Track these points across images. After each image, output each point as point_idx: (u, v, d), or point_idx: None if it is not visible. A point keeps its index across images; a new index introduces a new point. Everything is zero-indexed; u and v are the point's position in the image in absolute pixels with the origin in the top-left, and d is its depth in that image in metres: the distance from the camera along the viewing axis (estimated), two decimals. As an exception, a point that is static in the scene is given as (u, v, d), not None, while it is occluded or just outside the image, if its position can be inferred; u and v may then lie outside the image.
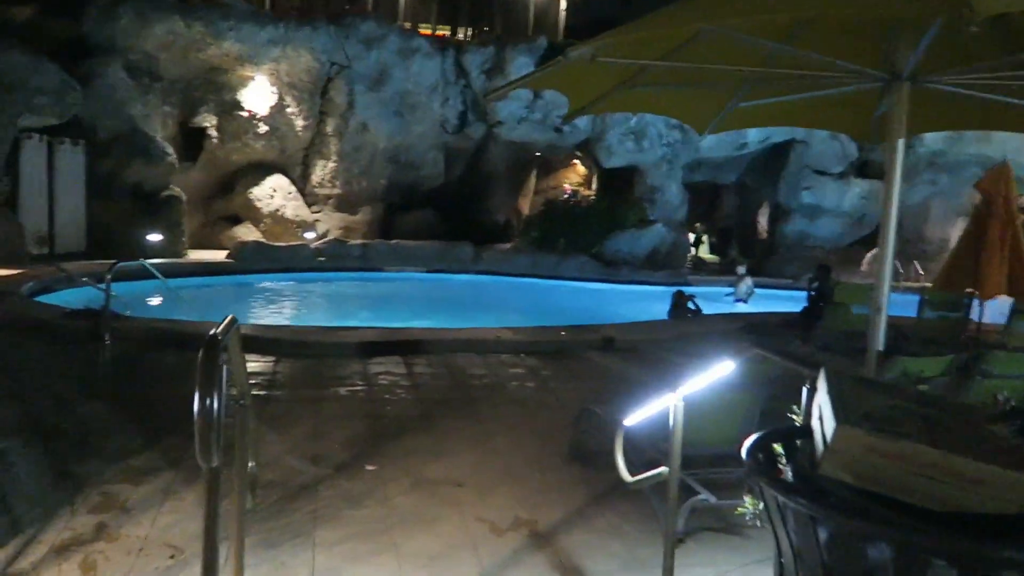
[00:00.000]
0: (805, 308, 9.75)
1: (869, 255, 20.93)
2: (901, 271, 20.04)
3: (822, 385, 1.88)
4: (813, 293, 9.69)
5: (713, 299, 14.22)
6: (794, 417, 3.16)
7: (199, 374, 1.91)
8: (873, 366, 5.48)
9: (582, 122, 19.69)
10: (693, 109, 7.53)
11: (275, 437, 5.21)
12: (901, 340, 8.85)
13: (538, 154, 23.45)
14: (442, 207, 20.96)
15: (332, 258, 16.53)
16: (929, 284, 19.39)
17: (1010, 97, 5.71)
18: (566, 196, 22.64)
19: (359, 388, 6.62)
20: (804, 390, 2.91)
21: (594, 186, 23.10)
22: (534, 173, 25.14)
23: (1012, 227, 8.78)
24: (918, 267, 20.26)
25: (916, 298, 9.51)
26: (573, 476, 4.78)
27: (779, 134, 19.82)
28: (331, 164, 19.61)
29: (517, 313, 12.73)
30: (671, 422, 3.03)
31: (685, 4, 4.51)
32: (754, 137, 19.85)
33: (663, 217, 19.89)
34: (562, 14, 24.12)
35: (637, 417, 3.45)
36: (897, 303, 9.16)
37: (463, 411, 6.07)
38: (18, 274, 11.82)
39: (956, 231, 21.53)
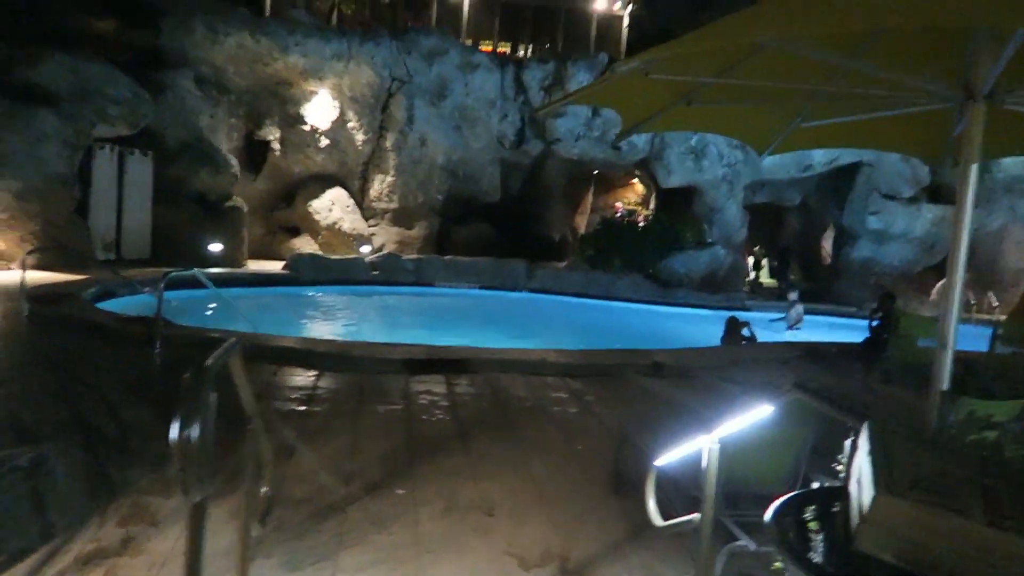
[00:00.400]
0: (867, 339, 9.31)
1: (939, 284, 20.05)
2: (973, 302, 19.11)
3: (864, 442, 1.69)
4: (876, 323, 9.25)
5: (759, 324, 13.80)
6: (839, 468, 2.93)
7: (179, 404, 1.83)
8: (936, 406, 5.16)
9: (640, 140, 19.47)
10: (753, 128, 7.29)
11: (310, 453, 5.16)
12: (969, 376, 8.38)
13: (596, 171, 23.29)
14: (498, 223, 20.95)
15: (386, 272, 16.65)
16: (1003, 316, 18.48)
17: None
18: (619, 215, 22.37)
19: (399, 406, 6.55)
20: (847, 444, 2.69)
21: (652, 205, 22.78)
22: (591, 191, 24.97)
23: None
24: (992, 298, 19.30)
25: (989, 331, 9.01)
26: (611, 509, 4.58)
27: (847, 155, 19.20)
28: (389, 178, 19.82)
29: (568, 333, 12.57)
30: (705, 465, 2.84)
31: (744, 15, 4.34)
32: (820, 158, 19.28)
33: (722, 238, 19.46)
34: (625, 30, 23.96)
35: (669, 458, 3.26)
36: (968, 336, 8.68)
37: (502, 433, 5.93)
38: (84, 279, 12.21)
39: (1035, 261, 20.49)
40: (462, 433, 5.87)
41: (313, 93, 18.87)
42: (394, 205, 19.92)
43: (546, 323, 14.12)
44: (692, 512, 3.41)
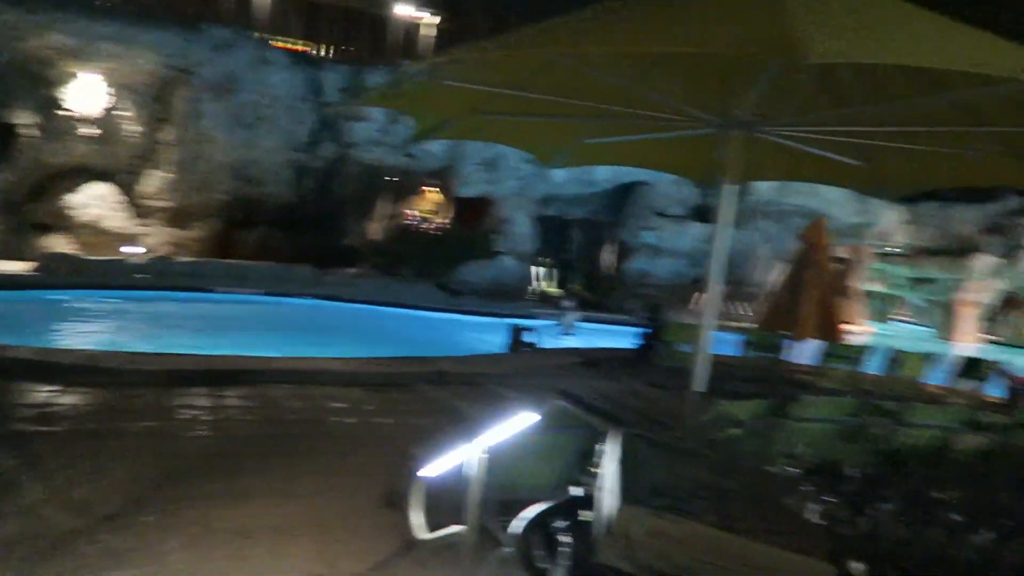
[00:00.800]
0: (640, 346, 9.91)
1: (698, 294, 22.03)
2: (731, 311, 21.20)
3: (613, 449, 1.65)
4: (648, 331, 9.88)
5: (546, 332, 14.43)
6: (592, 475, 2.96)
7: None
8: (691, 407, 5.52)
9: (437, 149, 19.51)
10: (541, 141, 7.46)
11: (35, 482, 4.46)
12: (726, 378, 9.17)
13: (393, 179, 23.01)
14: (288, 227, 19.98)
15: (156, 276, 15.22)
16: (752, 326, 20.65)
17: (833, 152, 6.02)
18: (412, 223, 22.27)
19: (155, 423, 5.90)
20: (598, 450, 2.73)
21: (447, 214, 22.90)
22: (387, 198, 24.63)
23: (825, 276, 9.36)
24: (743, 308, 21.53)
25: (742, 338, 9.90)
26: (384, 524, 4.38)
27: (627, 175, 20.52)
28: (165, 175, 18.22)
29: (355, 341, 12.18)
30: (469, 474, 2.75)
31: (537, 29, 4.36)
32: (603, 176, 20.44)
33: (512, 249, 19.98)
34: (431, 40, 23.93)
35: (436, 469, 3.13)
36: (726, 342, 9.49)
37: (271, 450, 5.53)
38: None
39: (780, 275, 23.18)
40: (225, 452, 5.39)
41: (78, 76, 16.89)
42: (170, 204, 18.32)
43: (333, 331, 13.60)
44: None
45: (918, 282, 29.83)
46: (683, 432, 5.15)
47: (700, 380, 5.63)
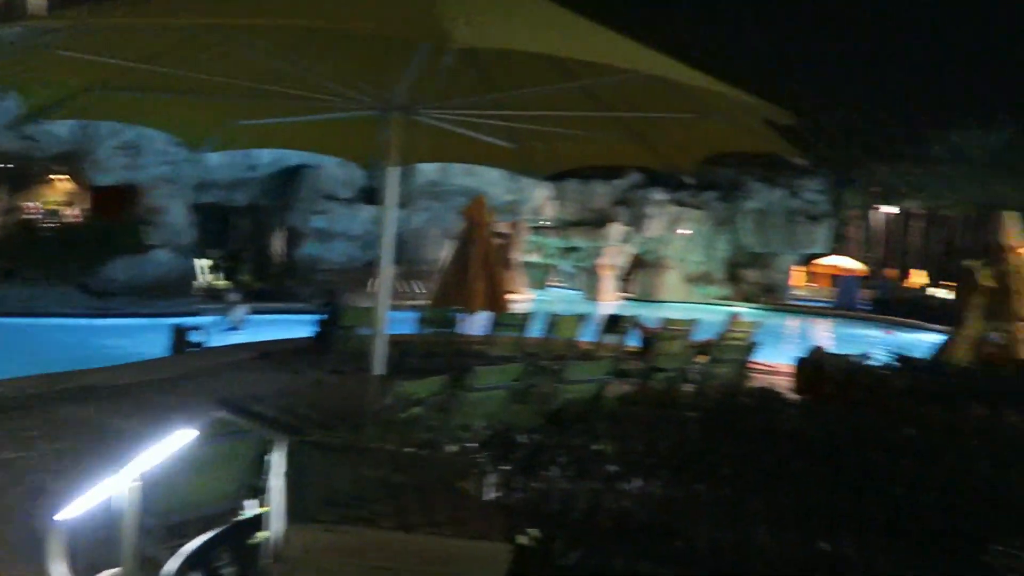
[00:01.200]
0: (317, 333, 9.62)
1: (374, 278, 22.22)
2: (404, 290, 21.70)
3: (279, 462, 1.47)
4: (323, 318, 9.62)
5: (213, 328, 13.57)
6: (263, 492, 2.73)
7: None
8: (373, 391, 5.47)
9: (63, 130, 16.87)
10: (188, 123, 6.73)
11: None
12: (406, 357, 9.31)
13: (8, 166, 19.43)
14: None
15: None
16: (428, 302, 21.38)
17: (486, 135, 6.31)
18: (37, 217, 19.17)
19: None
20: (266, 460, 2.50)
21: (82, 206, 20.02)
22: (3, 189, 20.79)
23: (490, 250, 9.93)
24: (417, 286, 22.20)
25: (418, 315, 10.12)
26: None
27: (291, 157, 19.74)
28: None
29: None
30: (122, 508, 2.35)
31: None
32: (266, 159, 19.42)
33: (167, 241, 18.15)
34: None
35: (76, 510, 2.65)
36: (402, 321, 9.59)
37: None
38: None
39: (448, 253, 24.29)
40: None
41: None
42: None
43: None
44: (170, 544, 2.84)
45: (567, 251, 33.40)
46: (365, 419, 5.08)
47: (379, 363, 5.60)
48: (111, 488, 2.53)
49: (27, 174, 21.21)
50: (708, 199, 34.58)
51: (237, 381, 8.45)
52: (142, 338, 12.90)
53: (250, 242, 23.12)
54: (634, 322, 10.25)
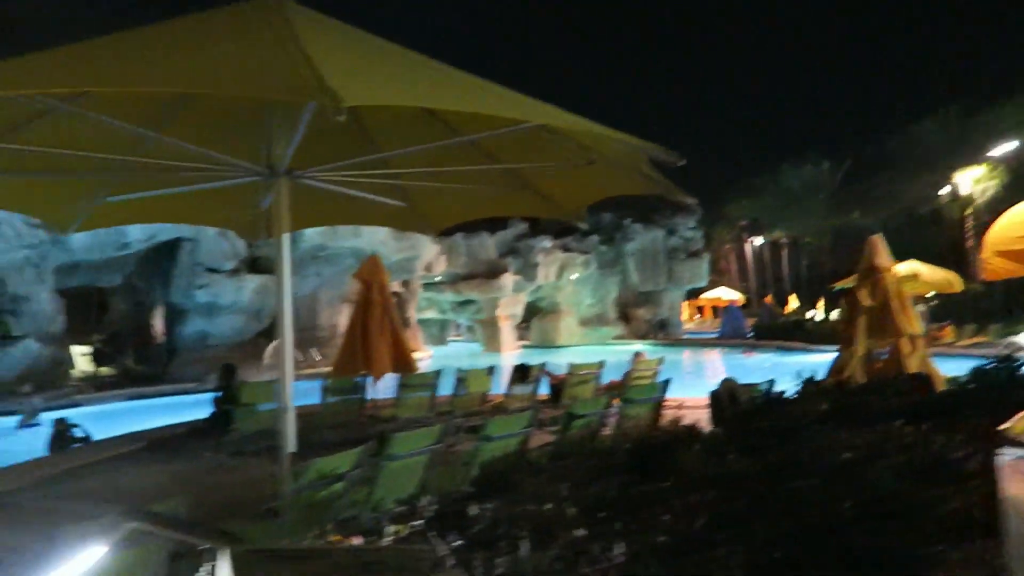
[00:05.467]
0: (213, 413, 9.04)
1: (270, 347, 21.35)
2: (302, 359, 20.94)
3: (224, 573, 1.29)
4: (219, 396, 9.06)
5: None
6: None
7: None
8: (287, 468, 5.14)
9: (-97, 220, 15.47)
10: (50, 203, 6.26)
11: None
12: (314, 430, 8.89)
13: None
14: None
15: None
16: (328, 369, 20.72)
17: (369, 193, 6.19)
18: None
19: None
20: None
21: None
22: None
23: (389, 310, 9.72)
24: (315, 353, 21.48)
25: (319, 384, 9.72)
26: None
27: (165, 232, 18.83)
28: None
29: None
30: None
31: (16, 63, 3.52)
32: (137, 235, 18.44)
33: (34, 330, 16.78)
34: None
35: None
36: (304, 392, 9.20)
37: None
38: None
39: (344, 317, 23.66)
40: None
41: None
42: None
43: None
44: None
45: (461, 305, 33.38)
46: (284, 504, 4.76)
47: (290, 439, 5.29)
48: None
49: None
50: (593, 243, 35.59)
51: (127, 475, 7.80)
52: (16, 437, 11.80)
53: (128, 323, 21.81)
54: (542, 370, 10.24)
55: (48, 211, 6.28)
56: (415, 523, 2.88)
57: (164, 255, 19.78)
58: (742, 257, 59.66)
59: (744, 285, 56.94)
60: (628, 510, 2.68)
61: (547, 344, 33.00)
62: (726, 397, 6.01)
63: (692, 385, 10.69)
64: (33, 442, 10.38)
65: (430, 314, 34.13)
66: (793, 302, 47.29)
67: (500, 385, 10.44)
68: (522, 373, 9.92)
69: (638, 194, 5.77)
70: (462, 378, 9.62)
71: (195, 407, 12.47)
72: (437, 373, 9.61)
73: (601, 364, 10.21)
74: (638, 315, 37.08)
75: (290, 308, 5.42)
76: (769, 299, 47.08)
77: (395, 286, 28.12)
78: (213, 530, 1.97)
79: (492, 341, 31.78)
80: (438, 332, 36.80)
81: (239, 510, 5.42)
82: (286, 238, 5.32)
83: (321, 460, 4.32)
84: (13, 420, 12.96)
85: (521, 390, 9.99)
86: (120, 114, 4.83)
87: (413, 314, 29.01)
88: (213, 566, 1.35)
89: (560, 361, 10.85)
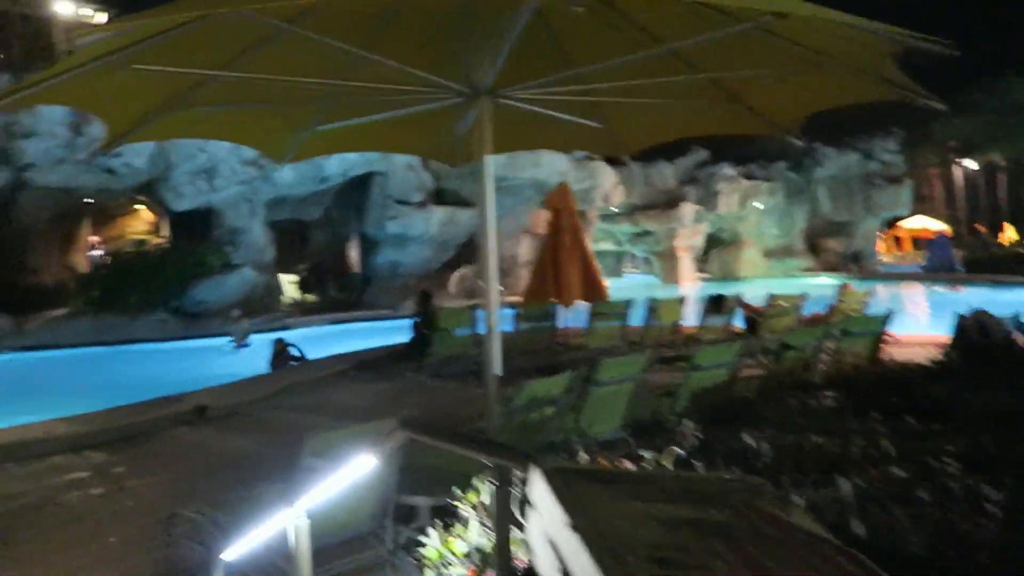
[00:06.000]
0: (412, 338, 9.44)
1: (455, 276, 22.10)
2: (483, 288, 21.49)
3: (550, 503, 1.16)
4: (418, 321, 9.43)
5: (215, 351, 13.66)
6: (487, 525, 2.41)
7: None
8: (493, 392, 5.20)
9: (140, 160, 17.27)
10: (268, 134, 6.56)
11: None
12: (508, 356, 9.06)
13: (89, 201, 20.08)
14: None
15: None
16: (512, 298, 21.14)
17: (566, 114, 5.95)
18: (124, 247, 19.72)
19: None
20: (485, 499, 2.20)
21: (165, 233, 20.54)
22: (87, 223, 21.53)
23: (579, 238, 9.58)
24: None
25: (508, 312, 9.83)
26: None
27: (359, 166, 19.79)
28: None
29: (81, 395, 10.31)
30: (292, 545, 2.12)
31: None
32: (335, 169, 19.51)
33: (249, 260, 18.38)
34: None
35: (242, 547, 2.44)
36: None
37: (-10, 555, 4.27)
38: None
39: (523, 247, 23.93)
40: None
41: None
42: None
43: (49, 388, 11.42)
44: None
45: (638, 236, 32.73)
46: (490, 419, 4.83)
47: (496, 363, 5.33)
48: (279, 524, 2.31)
49: (111, 206, 21.92)
50: (779, 169, 33.35)
51: (340, 392, 8.35)
52: (241, 356, 13.06)
53: (327, 253, 23.36)
54: (738, 301, 9.75)
55: (265, 142, 6.60)
56: (676, 450, 2.73)
57: (357, 189, 20.81)
58: (949, 182, 53.74)
59: (950, 214, 51.44)
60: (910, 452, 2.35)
61: (728, 277, 31.71)
62: (976, 330, 5.34)
63: (901, 322, 9.67)
64: (250, 360, 11.42)
65: (605, 246, 33.69)
66: (1010, 233, 42.04)
67: (694, 316, 10.07)
68: (717, 304, 9.48)
69: (870, 100, 5.13)
70: (653, 308, 9.35)
71: (389, 332, 13.17)
72: (628, 303, 9.40)
73: (803, 296, 9.54)
74: (828, 246, 34.58)
75: (494, 232, 5.34)
76: (982, 229, 42.24)
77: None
78: (490, 447, 1.89)
79: (670, 273, 30.97)
80: (614, 264, 36.36)
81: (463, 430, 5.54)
82: (488, 160, 5.24)
83: (535, 383, 4.29)
84: (227, 341, 14.37)
85: (715, 321, 9.58)
86: (333, 36, 4.94)
87: (588, 244, 28.87)
88: (524, 480, 1.26)
89: (758, 293, 10.21)
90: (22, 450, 6.05)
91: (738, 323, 9.88)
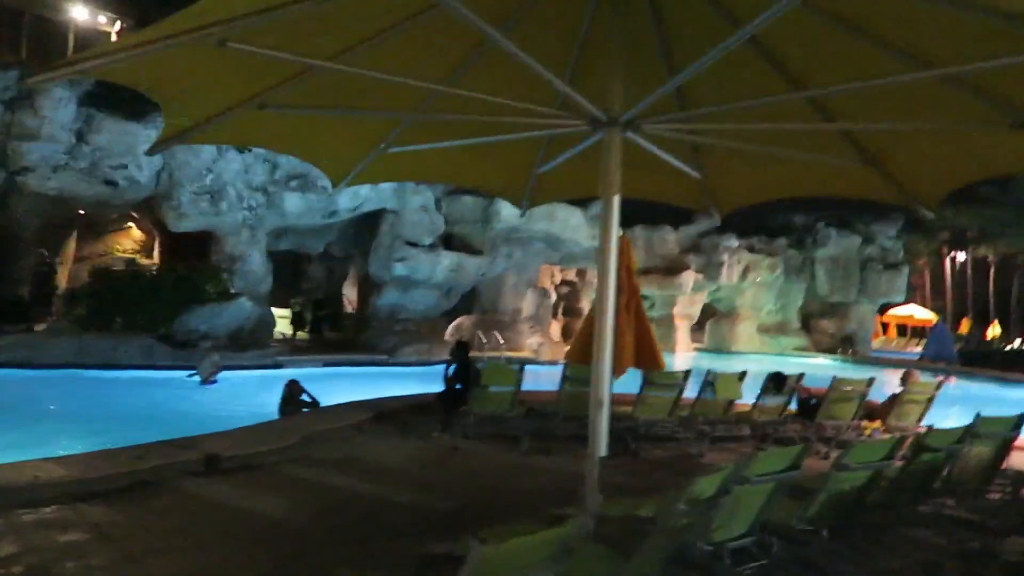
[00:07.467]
0: (444, 390, 8.50)
1: (452, 326, 21.20)
2: (485, 341, 20.61)
3: None
4: (451, 374, 8.50)
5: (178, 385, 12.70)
6: None
7: None
8: (595, 477, 4.30)
9: (144, 176, 16.40)
10: (334, 151, 5.75)
11: None
12: (545, 419, 8.18)
13: (81, 212, 19.07)
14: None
15: None
16: (509, 353, 20.23)
17: (683, 156, 5.23)
18: (115, 264, 18.64)
19: None
20: None
21: (161, 253, 19.51)
22: (74, 236, 20.44)
23: (637, 299, 8.80)
24: (499, 337, 21.06)
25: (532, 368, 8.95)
26: None
27: (371, 202, 19.03)
28: None
29: (60, 423, 9.23)
30: None
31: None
32: (345, 204, 18.74)
33: (246, 289, 17.38)
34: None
35: None
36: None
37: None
38: None
39: (527, 302, 23.13)
40: None
41: None
42: None
43: (26, 412, 10.24)
44: None
45: (637, 299, 32.11)
46: (588, 505, 3.97)
47: (601, 441, 4.47)
48: None
49: (107, 220, 20.88)
50: (781, 245, 33.12)
51: (365, 449, 7.38)
52: (238, 393, 12.02)
53: (323, 290, 22.40)
54: (798, 383, 8.97)
55: (330, 160, 5.81)
56: None
57: (365, 226, 19.99)
58: (939, 273, 54.18)
59: (937, 304, 51.67)
60: None
61: (722, 349, 31.12)
62: None
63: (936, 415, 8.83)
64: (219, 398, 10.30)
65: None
66: (994, 329, 41.90)
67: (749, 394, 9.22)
68: (777, 382, 8.70)
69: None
70: (711, 381, 8.55)
71: (388, 379, 12.19)
72: (686, 373, 8.59)
73: (870, 381, 8.78)
74: (822, 327, 34.18)
75: (613, 282, 4.59)
76: (967, 322, 42.22)
77: (570, 274, 27.33)
78: None
79: (665, 341, 30.26)
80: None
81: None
82: (616, 200, 4.47)
83: (701, 479, 3.42)
84: (189, 375, 13.29)
85: (772, 401, 8.79)
86: (452, 35, 4.25)
87: (587, 304, 28.11)
88: None
89: (735, 367, 9.40)
90: (10, 496, 5.01)
91: (792, 404, 9.10)
